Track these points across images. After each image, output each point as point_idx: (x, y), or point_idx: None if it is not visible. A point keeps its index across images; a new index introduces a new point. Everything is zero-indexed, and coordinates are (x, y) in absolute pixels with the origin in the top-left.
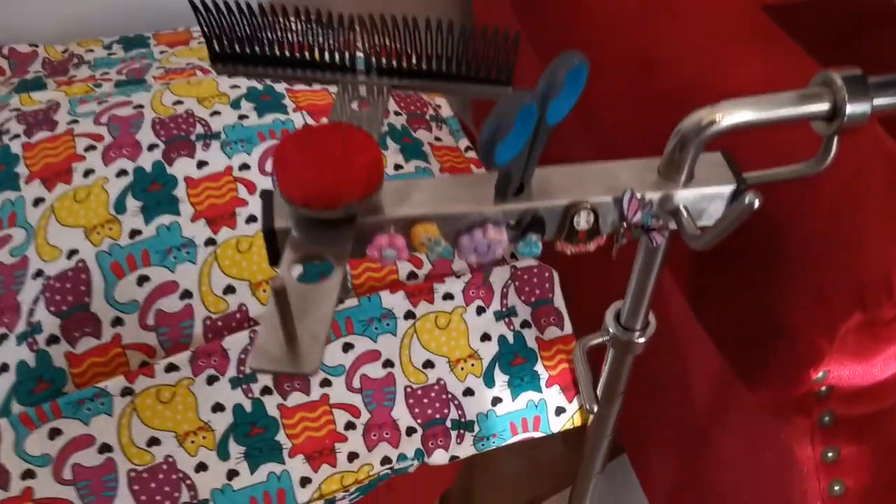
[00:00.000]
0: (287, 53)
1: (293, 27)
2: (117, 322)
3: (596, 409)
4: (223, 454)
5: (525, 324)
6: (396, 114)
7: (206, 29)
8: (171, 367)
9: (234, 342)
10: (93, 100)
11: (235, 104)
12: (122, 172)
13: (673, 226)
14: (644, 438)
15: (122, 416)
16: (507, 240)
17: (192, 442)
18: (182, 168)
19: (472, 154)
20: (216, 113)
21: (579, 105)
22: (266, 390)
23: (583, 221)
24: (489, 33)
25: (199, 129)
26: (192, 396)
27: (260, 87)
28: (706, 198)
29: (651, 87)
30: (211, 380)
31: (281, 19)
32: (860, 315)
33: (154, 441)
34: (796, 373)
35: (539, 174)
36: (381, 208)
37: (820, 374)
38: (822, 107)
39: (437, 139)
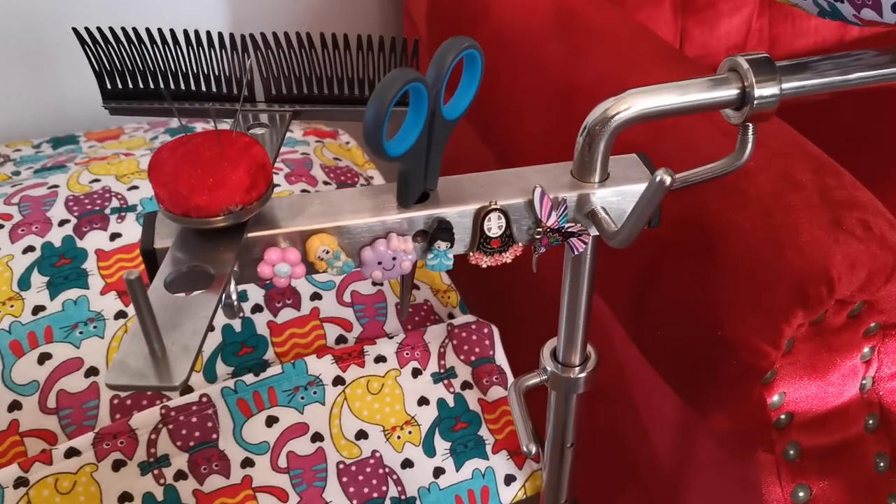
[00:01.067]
0: (182, 86)
1: (184, 56)
2: (15, 406)
3: (534, 450)
4: None
5: (466, 384)
6: (325, 183)
7: (95, 64)
8: (72, 452)
9: (144, 421)
10: (7, 184)
11: None
12: (29, 249)
13: (594, 231)
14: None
15: None
16: (413, 250)
17: None
18: (93, 241)
19: None
20: (134, 187)
21: (502, 151)
22: (180, 475)
23: (494, 226)
24: (387, 45)
25: (115, 202)
26: (96, 485)
27: None
28: (624, 197)
29: (572, 116)
30: (117, 465)
31: (170, 47)
32: (802, 313)
33: None
34: (747, 386)
35: (445, 182)
36: (273, 222)
37: (776, 397)
38: (731, 92)
39: None
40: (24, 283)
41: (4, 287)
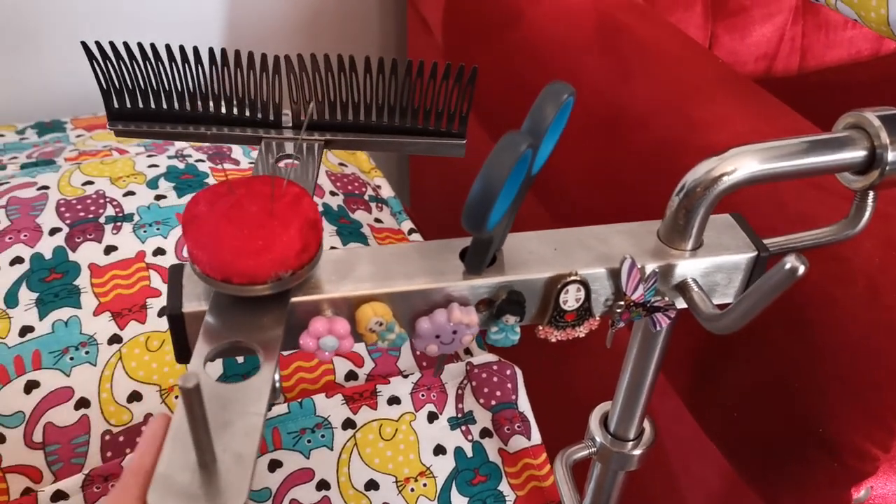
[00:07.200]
0: (199, 108)
1: (203, 75)
2: None
3: None
4: None
5: (485, 432)
6: (332, 194)
7: (102, 81)
8: (59, 496)
9: None
10: None
11: (152, 184)
12: (17, 260)
13: (681, 304)
14: None
15: None
16: (478, 324)
17: None
18: (87, 254)
19: (416, 237)
20: (130, 193)
21: (537, 181)
22: None
23: (571, 299)
24: (440, 71)
25: (110, 210)
26: None
27: (181, 165)
28: (719, 268)
29: (620, 144)
30: None
31: (191, 66)
32: None
33: None
34: (840, 488)
35: (511, 241)
36: (318, 285)
37: (862, 491)
38: (857, 154)
39: (378, 221)
40: (12, 299)
41: None
